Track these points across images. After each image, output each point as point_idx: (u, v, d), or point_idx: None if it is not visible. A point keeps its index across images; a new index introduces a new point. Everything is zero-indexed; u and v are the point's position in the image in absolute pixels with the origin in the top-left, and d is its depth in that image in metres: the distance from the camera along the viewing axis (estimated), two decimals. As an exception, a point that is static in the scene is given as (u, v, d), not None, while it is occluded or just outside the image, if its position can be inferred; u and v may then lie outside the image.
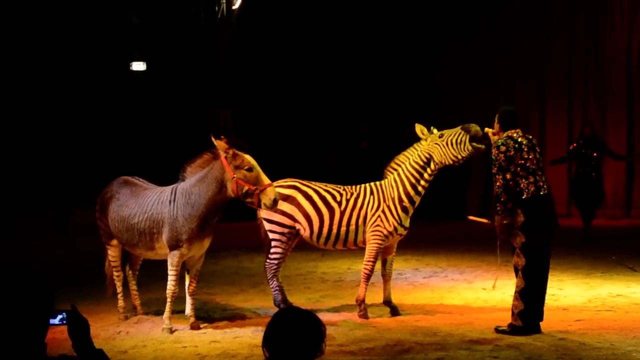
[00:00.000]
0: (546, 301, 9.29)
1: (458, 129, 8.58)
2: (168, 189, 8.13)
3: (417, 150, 8.67)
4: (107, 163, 16.05)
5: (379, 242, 8.60)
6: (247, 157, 7.66)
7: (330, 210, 8.70)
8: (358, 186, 8.84)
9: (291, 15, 18.35)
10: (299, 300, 9.54)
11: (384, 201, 8.61)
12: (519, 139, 7.73)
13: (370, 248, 8.63)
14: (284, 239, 8.77)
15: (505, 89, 18.28)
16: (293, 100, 18.60)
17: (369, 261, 8.65)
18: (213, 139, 7.73)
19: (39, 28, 17.19)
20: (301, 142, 18.38)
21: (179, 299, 8.23)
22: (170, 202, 7.97)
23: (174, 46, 18.25)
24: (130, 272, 8.76)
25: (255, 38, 18.41)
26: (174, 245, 7.91)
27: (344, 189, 8.84)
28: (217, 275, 11.23)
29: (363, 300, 8.67)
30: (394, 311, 8.76)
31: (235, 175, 7.61)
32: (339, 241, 8.75)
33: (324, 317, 8.17)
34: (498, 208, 7.60)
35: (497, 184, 7.58)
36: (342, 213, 8.67)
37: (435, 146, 8.56)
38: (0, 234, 14.27)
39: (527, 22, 17.90)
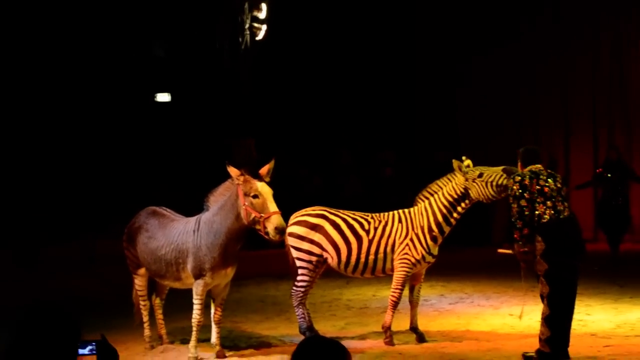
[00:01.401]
0: (574, 327, 9.20)
1: (499, 170, 8.54)
2: (193, 219, 8.18)
3: (452, 182, 8.66)
4: (133, 194, 16.15)
5: (407, 269, 8.59)
6: (257, 183, 7.64)
7: (359, 239, 8.69)
8: (386, 214, 8.83)
9: (313, 44, 18.46)
10: (324, 327, 9.52)
11: (413, 229, 8.61)
12: (538, 170, 7.73)
13: (398, 275, 8.61)
14: (311, 267, 8.77)
15: (528, 113, 18.23)
16: (315, 128, 18.66)
17: (396, 289, 8.63)
18: (227, 165, 7.77)
19: (67, 60, 17.40)
20: (324, 170, 18.42)
21: (204, 328, 8.24)
22: (194, 231, 8.02)
23: (198, 77, 18.41)
24: (156, 301, 8.79)
25: (277, 68, 18.53)
26: (198, 274, 7.94)
27: (372, 217, 8.83)
28: (242, 303, 11.24)
29: (389, 327, 8.65)
30: (421, 338, 8.72)
31: (245, 203, 7.64)
32: (367, 269, 8.75)
33: (349, 344, 8.16)
34: (515, 236, 7.60)
35: (512, 212, 7.59)
36: (370, 242, 8.67)
37: (474, 184, 8.55)
38: (26, 266, 14.35)
39: (551, 47, 17.86)
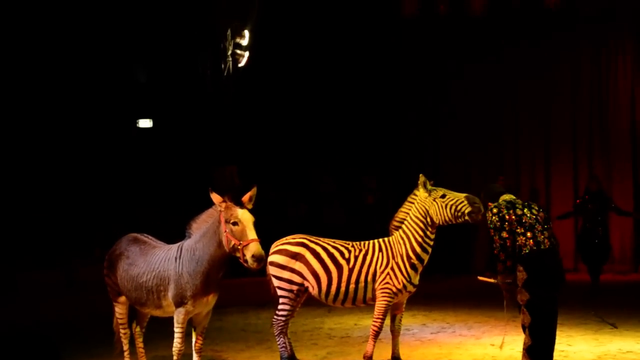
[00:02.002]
0: (556, 357, 9.23)
1: (462, 196, 8.56)
2: (174, 247, 8.13)
3: (414, 204, 8.66)
4: (113, 220, 16.08)
5: (388, 299, 8.57)
6: (238, 210, 7.61)
7: (339, 268, 8.67)
8: (367, 242, 8.81)
9: (295, 71, 18.52)
10: (306, 356, 9.48)
11: (393, 258, 8.58)
12: (513, 200, 7.75)
13: (380, 305, 8.59)
14: (292, 296, 8.74)
15: (509, 144, 18.34)
16: (298, 154, 18.67)
17: (377, 318, 8.60)
18: (210, 191, 7.76)
19: (48, 85, 17.36)
20: (306, 197, 18.41)
21: (185, 356, 8.17)
22: (176, 259, 7.97)
23: (180, 103, 18.40)
24: (137, 329, 8.72)
25: (260, 95, 18.56)
26: (179, 302, 7.89)
27: (353, 245, 8.81)
28: (224, 331, 11.17)
29: (371, 357, 8.62)
30: None
31: (226, 230, 7.62)
32: (347, 299, 8.71)
33: (331, 374, 8.12)
34: (498, 268, 7.60)
35: (495, 244, 7.57)
36: (351, 270, 8.64)
37: (434, 203, 8.54)
38: (4, 294, 14.22)
39: (530, 77, 18.00)
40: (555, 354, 9.35)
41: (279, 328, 8.74)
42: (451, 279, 16.32)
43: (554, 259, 7.64)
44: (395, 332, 8.80)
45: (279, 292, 8.78)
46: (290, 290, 8.73)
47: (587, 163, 17.76)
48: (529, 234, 7.50)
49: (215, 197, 7.72)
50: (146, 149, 18.38)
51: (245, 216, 7.58)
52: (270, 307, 10.80)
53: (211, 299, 8.00)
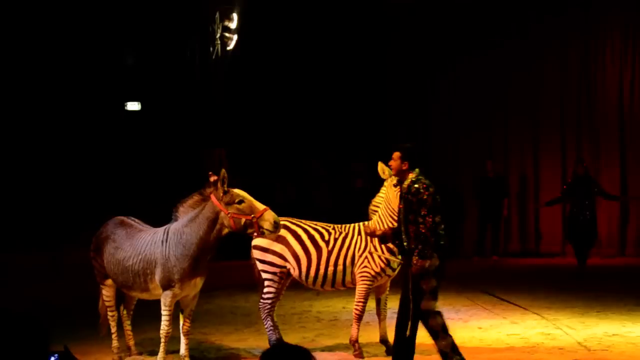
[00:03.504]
0: (542, 340, 9.31)
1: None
2: (161, 230, 8.13)
3: (387, 190, 8.68)
4: (101, 203, 16.03)
5: (368, 282, 8.61)
6: (236, 190, 7.70)
7: (318, 249, 8.72)
8: (347, 225, 8.85)
9: (284, 55, 18.47)
10: (294, 339, 9.50)
11: (371, 241, 8.60)
12: (429, 181, 7.45)
13: (360, 289, 8.62)
14: (276, 278, 8.80)
15: (498, 128, 18.37)
16: (287, 139, 18.65)
17: (359, 302, 8.65)
18: (211, 176, 7.75)
19: (37, 67, 17.26)
20: (295, 181, 18.40)
21: (173, 339, 8.18)
22: (162, 242, 7.97)
23: (168, 86, 18.33)
24: (124, 312, 8.73)
25: (249, 78, 18.51)
26: (166, 285, 7.89)
27: (334, 228, 8.86)
28: (211, 314, 11.18)
29: (357, 340, 8.66)
30: (390, 350, 8.72)
31: (229, 211, 7.63)
32: (327, 281, 8.76)
33: (319, 356, 8.15)
34: (426, 252, 7.18)
35: (426, 225, 7.16)
36: (330, 253, 8.69)
37: (391, 189, 8.51)
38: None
39: (519, 64, 18.00)
40: (542, 337, 9.46)
41: (266, 311, 8.78)
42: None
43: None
44: (381, 315, 8.83)
45: (263, 275, 8.85)
46: (274, 273, 8.79)
47: (575, 148, 17.80)
48: (442, 226, 7.30)
49: (213, 179, 7.73)
50: (134, 131, 18.32)
51: (243, 192, 7.71)
52: (258, 290, 10.83)
53: (199, 282, 8.01)
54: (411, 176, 7.39)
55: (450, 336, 7.46)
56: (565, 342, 9.22)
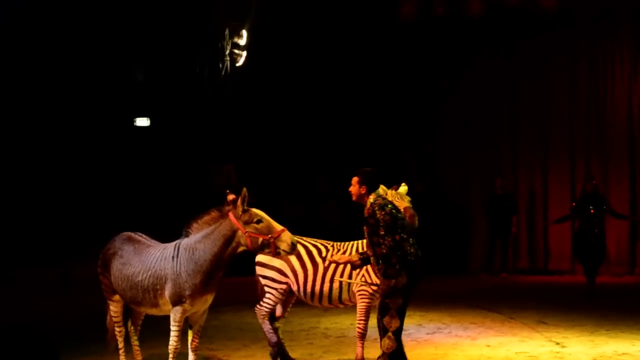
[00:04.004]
0: (551, 359, 9.25)
1: (402, 207, 8.35)
2: (171, 245, 8.11)
3: None
4: (110, 218, 16.06)
5: (367, 300, 8.65)
6: (254, 210, 7.71)
7: (315, 266, 8.82)
8: (347, 243, 8.91)
9: (293, 71, 18.52)
10: (302, 355, 9.49)
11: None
12: (387, 199, 7.50)
13: (360, 307, 8.67)
14: (276, 293, 8.98)
15: (507, 145, 18.35)
16: (295, 155, 18.67)
17: (360, 320, 8.69)
18: (228, 195, 7.75)
19: (46, 82, 17.33)
20: (303, 197, 18.39)
21: (180, 355, 8.16)
22: (173, 257, 7.95)
23: (177, 102, 18.39)
24: (132, 327, 8.72)
25: (258, 94, 18.56)
26: (177, 301, 7.88)
27: (332, 245, 8.91)
28: (219, 330, 11.17)
29: (362, 358, 8.66)
30: None
31: (247, 231, 7.64)
32: (323, 298, 8.83)
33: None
34: (389, 272, 7.17)
35: (386, 245, 7.15)
36: (326, 269, 8.74)
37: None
38: (1, 289, 14.20)
39: (528, 80, 18.01)
40: (551, 355, 9.41)
41: (262, 315, 8.99)
42: (447, 280, 16.33)
43: (421, 267, 7.39)
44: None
45: (265, 289, 8.99)
46: (275, 289, 8.95)
47: (585, 165, 17.76)
48: (411, 240, 7.26)
49: (231, 197, 7.72)
50: (143, 147, 18.36)
51: (261, 212, 7.73)
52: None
53: (209, 298, 8.01)
54: (370, 199, 7.44)
55: None
56: (574, 361, 9.18)
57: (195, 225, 8.00)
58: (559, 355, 9.42)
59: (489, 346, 9.98)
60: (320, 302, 8.88)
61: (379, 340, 8.72)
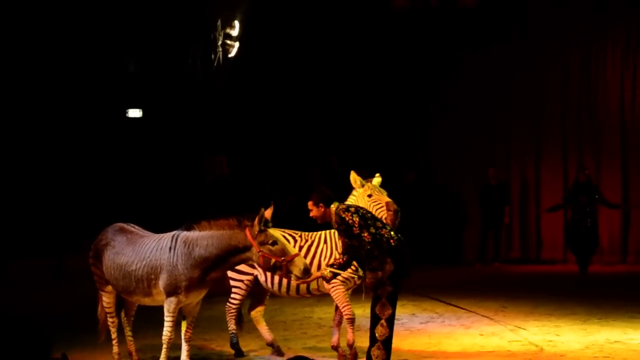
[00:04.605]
0: (544, 347, 9.31)
1: (384, 201, 8.48)
2: (167, 236, 8.09)
3: (356, 198, 8.72)
4: (102, 210, 16.03)
5: (340, 288, 8.64)
6: (270, 231, 7.71)
7: None
8: (315, 233, 8.92)
9: (286, 62, 18.49)
10: (295, 345, 9.51)
11: (336, 249, 8.65)
12: (347, 203, 7.79)
13: (336, 296, 8.68)
14: (242, 285, 9.03)
15: (499, 136, 18.38)
16: (288, 146, 18.66)
17: (343, 307, 8.70)
18: (256, 218, 7.67)
19: (38, 74, 17.27)
20: (295, 189, 18.38)
21: (173, 345, 8.17)
22: (170, 249, 7.94)
23: (170, 93, 18.35)
24: (125, 318, 8.71)
25: (250, 85, 18.53)
26: (171, 291, 7.88)
27: (300, 235, 8.90)
28: (213, 320, 11.16)
29: (353, 343, 8.73)
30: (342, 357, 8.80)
31: (261, 250, 7.65)
32: (291, 288, 8.84)
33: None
34: (373, 264, 7.27)
35: (366, 240, 7.27)
36: None
37: (363, 199, 8.58)
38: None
39: (520, 71, 18.02)
40: (544, 344, 9.45)
41: (230, 314, 9.09)
42: (440, 270, 16.37)
43: (408, 250, 7.51)
44: (336, 322, 8.86)
45: (231, 282, 9.03)
46: (241, 281, 8.99)
47: (577, 155, 17.80)
48: (387, 227, 7.45)
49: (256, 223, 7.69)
50: (136, 138, 18.32)
51: (278, 234, 7.77)
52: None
53: (204, 290, 8.02)
54: (332, 211, 7.52)
55: (387, 353, 7.41)
56: (566, 349, 9.21)
57: (205, 223, 7.97)
58: (551, 344, 9.46)
59: (482, 335, 10.01)
60: (287, 293, 8.91)
61: (366, 328, 8.77)
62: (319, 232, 8.87)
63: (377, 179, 8.81)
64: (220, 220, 7.96)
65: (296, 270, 7.58)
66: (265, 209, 7.77)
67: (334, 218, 7.49)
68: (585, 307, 11.76)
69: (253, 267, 8.84)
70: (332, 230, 8.72)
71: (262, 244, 7.65)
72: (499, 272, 16.59)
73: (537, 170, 18.12)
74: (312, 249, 8.78)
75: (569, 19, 17.79)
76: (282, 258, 7.58)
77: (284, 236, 8.81)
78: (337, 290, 8.64)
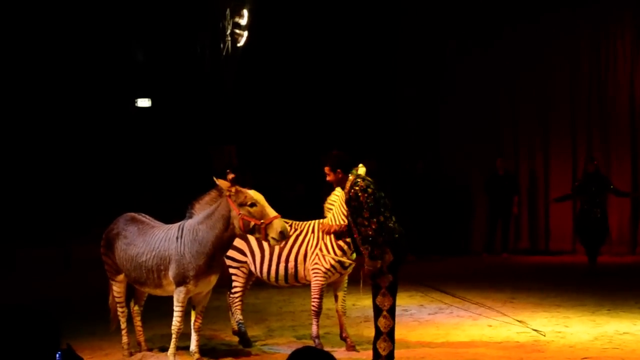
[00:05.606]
0: (552, 338, 9.29)
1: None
2: (175, 226, 8.12)
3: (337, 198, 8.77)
4: (111, 199, 16.08)
5: (320, 279, 8.72)
6: (250, 192, 7.68)
7: (271, 245, 8.79)
8: (304, 223, 8.97)
9: (294, 51, 18.46)
10: (304, 336, 9.51)
11: (322, 239, 8.70)
12: (367, 179, 7.53)
13: (314, 285, 8.76)
14: (239, 273, 9.05)
15: (508, 125, 18.31)
16: (297, 136, 18.64)
17: (314, 298, 8.79)
18: (215, 179, 7.75)
19: (47, 65, 17.30)
20: (304, 179, 18.38)
21: (183, 335, 8.19)
22: (177, 238, 7.97)
23: (178, 83, 18.36)
24: (135, 307, 8.74)
25: (259, 74, 18.52)
26: (180, 281, 7.90)
27: (291, 225, 8.90)
28: (222, 310, 11.15)
29: (317, 336, 8.80)
30: (352, 347, 8.79)
31: (240, 212, 7.62)
32: (279, 277, 8.90)
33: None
34: (375, 252, 7.24)
35: (372, 227, 7.22)
36: (282, 249, 8.77)
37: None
38: (2, 270, 14.24)
39: (529, 60, 17.93)
40: (553, 335, 9.43)
41: (234, 305, 9.07)
42: (448, 260, 16.35)
43: (405, 242, 7.52)
44: (339, 312, 8.91)
45: (229, 270, 9.07)
46: (236, 268, 9.03)
47: (586, 145, 17.70)
48: (393, 218, 7.40)
49: (222, 183, 7.71)
50: (145, 128, 18.35)
51: (258, 196, 7.70)
52: (268, 287, 10.85)
53: (213, 279, 8.04)
54: (349, 181, 7.48)
55: (392, 343, 7.41)
56: (576, 340, 9.19)
57: (197, 205, 8.02)
58: (560, 335, 9.44)
59: (490, 326, 9.99)
60: (277, 282, 8.97)
61: (373, 321, 8.75)
62: (308, 222, 8.93)
63: (361, 169, 8.70)
64: (204, 197, 7.98)
65: (273, 232, 7.55)
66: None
67: (347, 188, 7.44)
68: (595, 298, 11.72)
69: (245, 255, 8.91)
70: (321, 220, 8.83)
71: (241, 205, 7.62)
72: (508, 262, 16.55)
73: (546, 161, 18.03)
74: (300, 238, 8.84)
75: (579, 6, 17.68)
76: (261, 221, 7.54)
77: None
78: (317, 280, 8.72)
